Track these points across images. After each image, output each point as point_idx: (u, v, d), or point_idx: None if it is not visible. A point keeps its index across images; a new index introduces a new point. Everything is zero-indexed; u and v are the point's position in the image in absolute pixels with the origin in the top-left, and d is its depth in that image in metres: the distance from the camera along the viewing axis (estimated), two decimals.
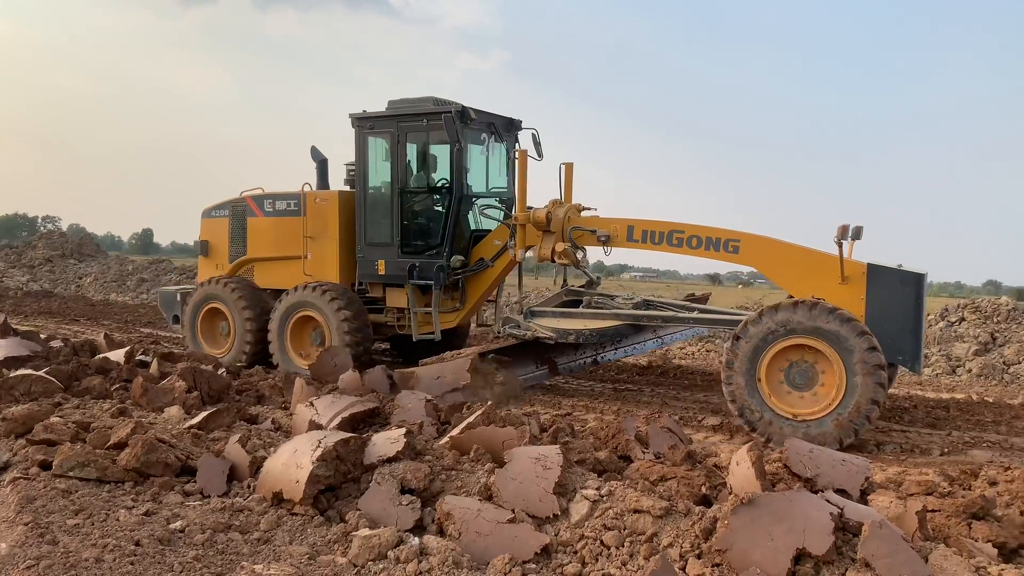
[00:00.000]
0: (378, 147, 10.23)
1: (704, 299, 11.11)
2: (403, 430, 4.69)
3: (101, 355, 8.28)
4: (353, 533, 3.89)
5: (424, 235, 10.02)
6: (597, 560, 3.73)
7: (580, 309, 9.78)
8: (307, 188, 10.60)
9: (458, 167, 9.64)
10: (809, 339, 7.20)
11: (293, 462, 4.36)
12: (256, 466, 4.69)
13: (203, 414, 5.75)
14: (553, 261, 9.22)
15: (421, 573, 3.55)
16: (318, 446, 4.35)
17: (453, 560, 3.60)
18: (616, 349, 10.19)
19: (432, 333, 9.87)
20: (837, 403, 7.10)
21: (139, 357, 8.66)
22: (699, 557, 3.54)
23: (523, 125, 10.55)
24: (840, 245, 7.53)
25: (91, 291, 24.33)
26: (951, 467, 5.78)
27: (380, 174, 10.27)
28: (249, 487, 4.58)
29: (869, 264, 7.60)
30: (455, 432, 4.97)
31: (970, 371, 12.38)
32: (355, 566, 3.67)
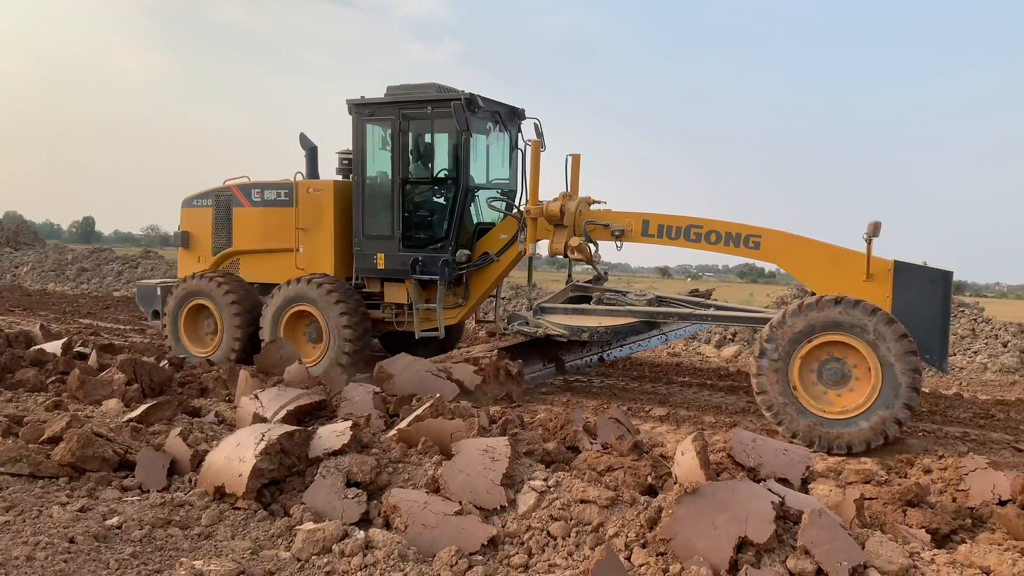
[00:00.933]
0: (378, 135, 9.73)
1: (708, 295, 10.88)
2: (349, 423, 4.64)
3: (36, 347, 8.01)
4: (297, 527, 3.83)
5: (428, 228, 9.55)
6: (544, 551, 3.74)
7: (592, 306, 9.34)
8: (299, 177, 10.14)
9: (465, 157, 9.21)
10: (846, 337, 6.97)
11: (236, 456, 4.28)
12: (198, 460, 4.60)
13: (143, 407, 5.61)
14: (565, 256, 8.90)
15: (366, 566, 3.52)
16: (262, 439, 4.28)
17: (399, 553, 3.57)
18: (622, 347, 9.85)
19: (435, 330, 9.44)
20: (870, 404, 6.89)
21: (77, 349, 8.40)
22: (644, 546, 3.58)
23: (525, 114, 10.07)
24: (869, 242, 7.36)
25: (28, 281, 23.54)
26: (888, 456, 5.94)
27: (379, 163, 9.76)
28: (190, 481, 4.49)
29: (896, 261, 7.44)
30: (403, 425, 4.93)
31: None
32: (299, 560, 3.62)
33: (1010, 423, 8.53)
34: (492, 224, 9.81)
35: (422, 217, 9.66)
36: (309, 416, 5.71)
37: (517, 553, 3.72)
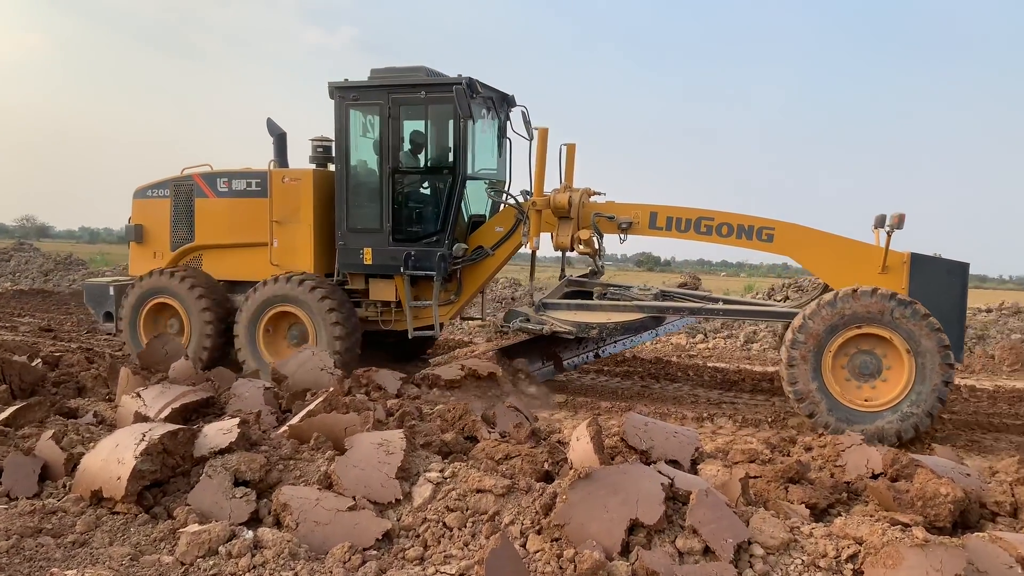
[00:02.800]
0: (364, 121, 9.15)
1: (695, 287, 10.55)
2: (237, 420, 4.47)
3: None
4: (181, 530, 3.67)
5: (421, 220, 9.00)
6: (439, 542, 3.71)
7: (598, 301, 8.96)
8: (272, 166, 9.47)
9: (463, 144, 8.67)
10: (881, 330, 6.98)
11: (114, 457, 4.06)
12: (73, 464, 4.33)
13: (11, 409, 5.24)
14: (571, 249, 8.50)
15: (255, 567, 3.40)
16: (142, 439, 4.07)
17: (289, 552, 3.47)
18: (615, 343, 9.40)
19: (430, 328, 9.02)
20: (902, 397, 6.93)
21: None
22: (539, 533, 3.60)
23: (515, 101, 9.66)
24: (891, 233, 7.39)
25: None
26: (773, 435, 6.20)
27: (365, 151, 9.17)
28: (64, 487, 4.23)
29: (912, 253, 7.48)
30: (294, 420, 4.81)
31: None
32: (183, 564, 3.46)
33: (953, 404, 9.03)
34: (482, 216, 9.42)
35: (415, 209, 9.09)
36: (196, 414, 5.49)
37: (412, 546, 3.68)
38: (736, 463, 4.83)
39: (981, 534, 3.65)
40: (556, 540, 3.52)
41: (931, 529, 3.89)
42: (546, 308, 8.55)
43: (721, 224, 8.06)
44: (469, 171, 8.83)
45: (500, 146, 9.66)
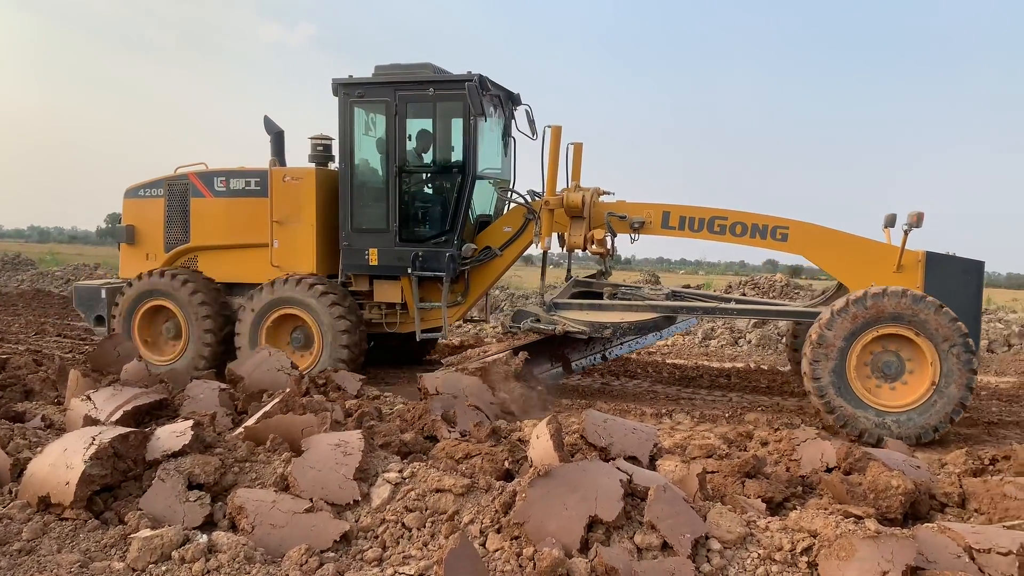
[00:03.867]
0: (369, 118, 8.92)
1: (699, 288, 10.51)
2: (191, 422, 4.38)
3: None
4: (132, 535, 3.58)
5: (429, 220, 8.80)
6: (398, 543, 3.69)
7: (610, 301, 8.81)
8: (274, 165, 9.17)
9: (473, 143, 8.46)
10: (907, 330, 6.90)
11: (62, 462, 3.95)
12: (19, 469, 4.20)
13: None
14: (584, 249, 8.34)
15: (209, 572, 3.34)
16: (92, 443, 3.97)
17: (245, 555, 3.41)
18: (622, 344, 9.05)
19: (438, 330, 8.83)
20: (926, 398, 6.88)
21: None
22: (499, 531, 3.59)
23: (521, 99, 9.46)
24: (907, 233, 7.38)
25: None
26: (730, 431, 6.28)
27: (370, 150, 8.95)
28: (11, 493, 4.09)
29: (927, 252, 7.46)
30: (250, 422, 4.73)
31: (750, 342, 13.57)
32: (134, 570, 3.38)
33: None
34: (487, 216, 9.24)
35: (422, 208, 8.90)
36: (149, 417, 5.38)
37: (371, 547, 3.65)
38: (694, 458, 4.89)
39: (930, 525, 3.74)
40: (516, 538, 3.52)
41: (883, 521, 3.96)
42: (557, 308, 8.40)
43: (735, 223, 7.99)
44: (480, 171, 8.66)
45: (505, 145, 9.50)
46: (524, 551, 3.39)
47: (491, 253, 8.83)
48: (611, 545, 3.44)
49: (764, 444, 5.63)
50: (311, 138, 9.30)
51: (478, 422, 5.53)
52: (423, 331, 8.87)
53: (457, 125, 8.71)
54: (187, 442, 4.13)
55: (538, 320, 8.23)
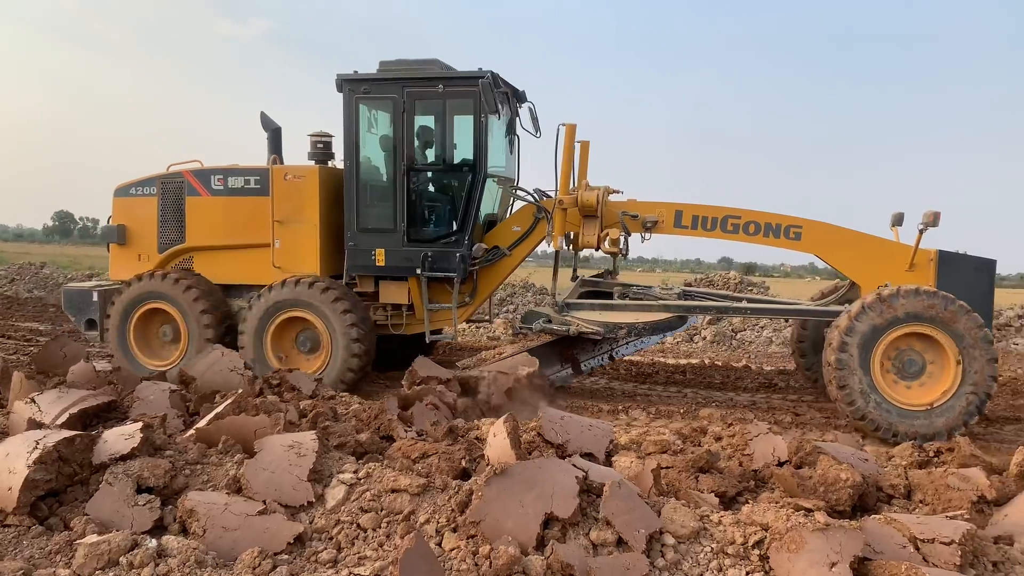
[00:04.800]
0: (375, 115, 8.74)
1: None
2: (140, 424, 4.29)
3: None
4: (79, 541, 3.49)
5: (439, 220, 8.66)
6: (353, 544, 3.65)
7: (623, 301, 8.72)
8: (275, 163, 8.92)
9: (484, 141, 8.30)
10: (930, 328, 6.99)
11: (4, 467, 3.83)
12: None
13: None
14: (597, 249, 8.29)
15: None
16: (35, 447, 3.86)
17: (196, 560, 3.35)
18: (627, 344, 8.96)
19: (438, 332, 8.68)
20: (950, 396, 6.97)
21: None
22: (455, 531, 3.58)
23: (526, 97, 9.30)
24: (921, 232, 7.47)
25: None
26: (685, 426, 6.36)
27: (377, 147, 8.75)
28: None
29: (939, 251, 7.54)
30: (202, 424, 4.65)
31: (704, 338, 13.75)
32: None
33: (790, 391, 9.42)
34: (492, 216, 9.11)
35: (432, 208, 8.74)
36: (96, 419, 5.24)
37: (325, 549, 3.61)
38: (649, 454, 4.93)
39: (877, 516, 3.82)
40: (472, 537, 3.51)
41: (832, 513, 4.05)
42: (569, 308, 8.32)
43: (748, 222, 8.01)
44: (489, 169, 8.52)
45: (510, 143, 9.39)
46: (480, 550, 3.39)
47: (500, 253, 8.70)
48: (567, 542, 3.46)
49: (718, 439, 5.70)
50: (310, 135, 9.10)
51: (435, 421, 5.51)
52: (432, 332, 8.73)
53: (467, 122, 8.56)
54: (136, 445, 4.04)
55: (549, 321, 8.17)
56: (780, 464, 4.91)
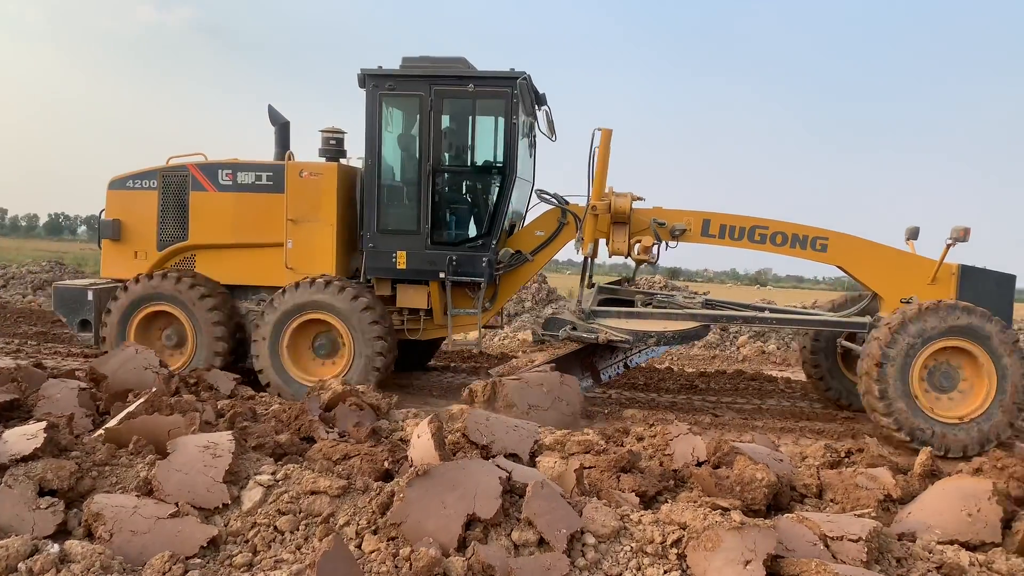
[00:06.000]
0: (400, 113, 8.45)
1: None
2: (44, 424, 4.09)
3: None
4: None
5: (466, 222, 8.40)
6: (270, 547, 3.57)
7: (649, 309, 8.56)
8: (290, 158, 8.48)
9: (515, 143, 8.05)
10: (968, 343, 7.12)
11: None
12: None
13: None
14: (627, 256, 8.19)
15: None
16: None
17: (101, 565, 3.21)
18: (640, 352, 8.70)
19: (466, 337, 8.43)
20: (985, 408, 7.10)
21: None
22: (375, 532, 3.53)
23: (546, 99, 9.02)
24: (949, 247, 7.59)
25: None
26: (608, 427, 6.43)
27: (401, 146, 8.45)
28: None
29: (961, 265, 7.71)
30: (112, 423, 4.46)
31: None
32: None
33: (710, 392, 9.64)
34: (512, 218, 8.81)
35: (458, 210, 8.44)
36: None
37: (241, 552, 3.51)
38: (572, 454, 4.95)
39: (790, 515, 3.94)
40: (393, 539, 3.47)
41: (748, 512, 4.15)
42: (595, 316, 8.16)
43: (775, 233, 8.07)
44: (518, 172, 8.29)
45: (530, 145, 9.19)
46: (401, 552, 3.35)
47: (522, 258, 8.51)
48: (489, 543, 3.45)
49: (640, 439, 5.78)
50: (322, 131, 8.74)
51: (357, 422, 5.43)
52: (456, 339, 8.53)
53: (496, 123, 8.33)
54: (39, 445, 3.84)
55: (575, 328, 8.03)
56: (699, 464, 5.01)
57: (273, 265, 8.43)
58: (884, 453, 5.36)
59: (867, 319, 7.99)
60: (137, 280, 8.42)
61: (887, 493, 4.54)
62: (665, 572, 3.36)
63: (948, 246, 7.73)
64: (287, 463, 4.26)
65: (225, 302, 8.47)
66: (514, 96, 7.88)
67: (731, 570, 3.22)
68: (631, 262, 8.43)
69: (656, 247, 8.15)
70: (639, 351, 8.61)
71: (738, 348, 14.01)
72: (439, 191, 8.23)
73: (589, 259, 8.63)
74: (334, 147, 8.67)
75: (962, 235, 7.60)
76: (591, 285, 9.02)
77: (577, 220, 8.27)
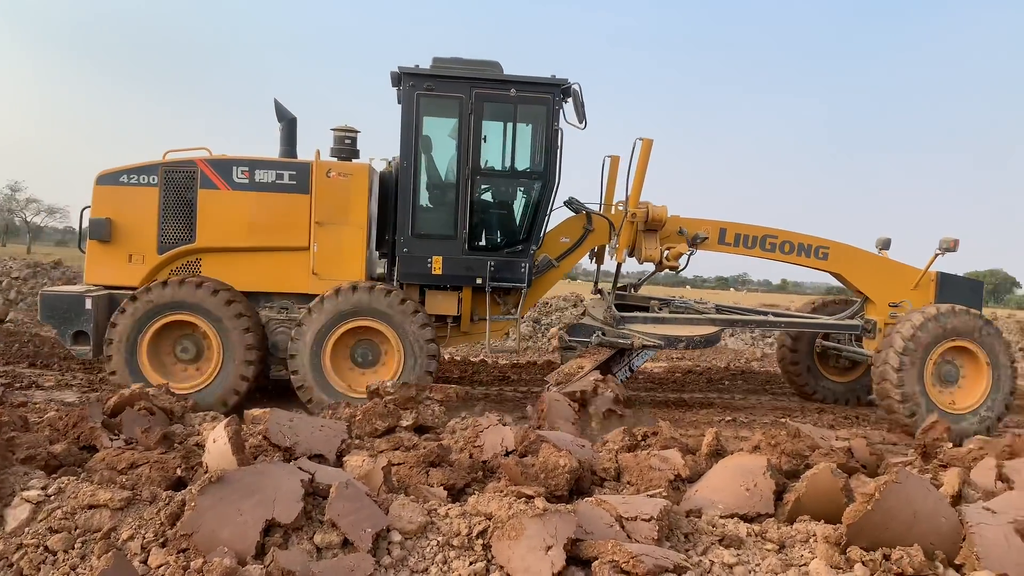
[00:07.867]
0: (438, 115, 8.03)
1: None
2: None
3: None
4: None
5: (505, 228, 8.16)
6: (40, 569, 3.23)
7: (672, 314, 8.79)
8: (318, 157, 7.82)
9: (557, 149, 7.91)
10: (970, 343, 8.10)
11: None
12: None
13: None
14: (658, 263, 8.43)
15: None
16: None
17: None
18: (639, 355, 8.70)
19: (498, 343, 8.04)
20: (981, 401, 8.15)
21: None
22: (163, 545, 3.29)
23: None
24: (936, 256, 8.46)
25: None
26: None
27: (438, 148, 8.10)
28: None
29: (939, 272, 8.66)
30: None
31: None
32: None
33: (522, 381, 9.91)
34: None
35: (498, 215, 8.12)
36: None
37: None
38: (381, 451, 4.89)
39: (590, 499, 4.10)
40: (183, 551, 3.25)
41: (552, 498, 4.27)
42: (624, 321, 8.36)
43: (784, 242, 8.68)
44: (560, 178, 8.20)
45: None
46: (192, 564, 3.14)
47: (549, 264, 8.51)
48: (289, 548, 3.32)
49: (452, 433, 5.82)
50: (334, 129, 8.12)
51: (147, 427, 5.04)
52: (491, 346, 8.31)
53: (537, 129, 8.16)
54: None
55: (604, 334, 8.20)
56: (507, 454, 5.11)
57: (293, 270, 7.94)
58: (675, 435, 5.71)
59: (859, 321, 9.06)
60: (149, 288, 7.54)
61: (677, 473, 4.84)
62: (471, 564, 3.39)
63: (936, 255, 8.74)
64: (63, 475, 3.87)
65: (251, 308, 7.88)
66: (555, 103, 7.90)
67: (533, 556, 3.30)
68: (645, 268, 8.95)
69: (688, 255, 8.60)
70: (638, 354, 8.86)
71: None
72: (478, 195, 8.11)
73: (619, 265, 9.01)
74: (349, 146, 8.28)
75: (952, 246, 8.67)
76: (598, 291, 9.40)
77: (612, 227, 8.46)
